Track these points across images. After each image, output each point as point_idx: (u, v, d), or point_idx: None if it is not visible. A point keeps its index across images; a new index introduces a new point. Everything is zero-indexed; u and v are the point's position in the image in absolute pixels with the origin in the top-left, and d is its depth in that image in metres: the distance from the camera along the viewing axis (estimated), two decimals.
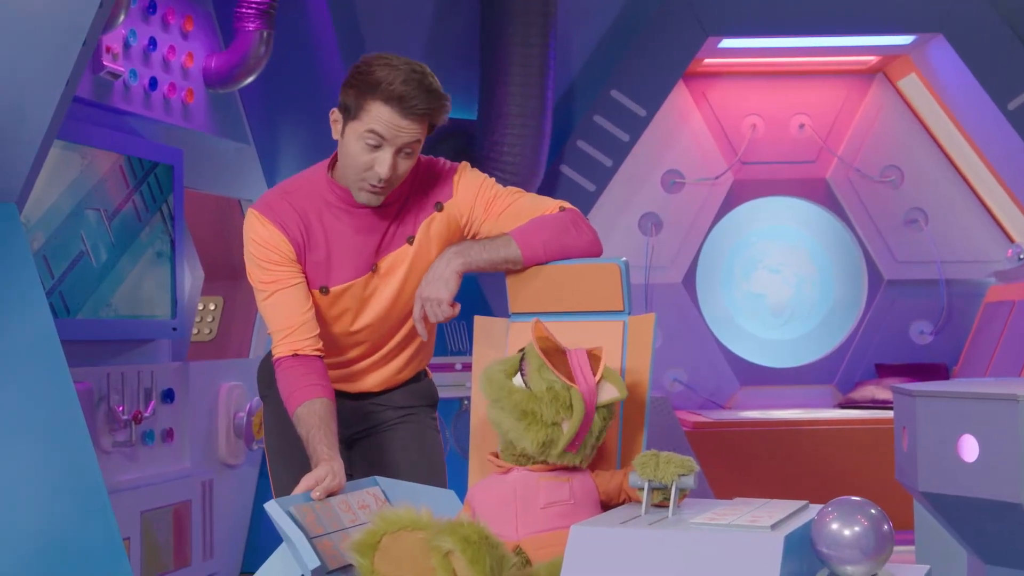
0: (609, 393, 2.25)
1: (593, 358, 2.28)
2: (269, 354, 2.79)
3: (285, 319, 2.65)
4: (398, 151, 2.57)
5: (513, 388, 2.23)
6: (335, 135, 2.64)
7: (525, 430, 2.21)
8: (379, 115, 2.53)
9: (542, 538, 2.19)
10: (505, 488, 2.25)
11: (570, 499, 2.24)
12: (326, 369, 2.67)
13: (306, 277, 2.69)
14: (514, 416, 2.22)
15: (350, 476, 2.81)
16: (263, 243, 2.66)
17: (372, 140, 2.55)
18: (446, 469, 2.95)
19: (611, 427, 2.43)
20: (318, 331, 2.67)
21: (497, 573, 2.02)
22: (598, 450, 2.44)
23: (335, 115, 2.62)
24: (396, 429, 2.91)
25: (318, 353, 2.66)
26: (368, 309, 2.74)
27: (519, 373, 2.25)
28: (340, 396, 2.84)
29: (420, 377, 2.97)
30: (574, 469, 2.29)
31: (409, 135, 2.56)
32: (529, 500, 2.23)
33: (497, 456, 2.32)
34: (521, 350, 2.30)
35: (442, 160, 2.78)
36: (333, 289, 2.70)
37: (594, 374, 2.25)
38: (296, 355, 2.64)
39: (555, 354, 2.29)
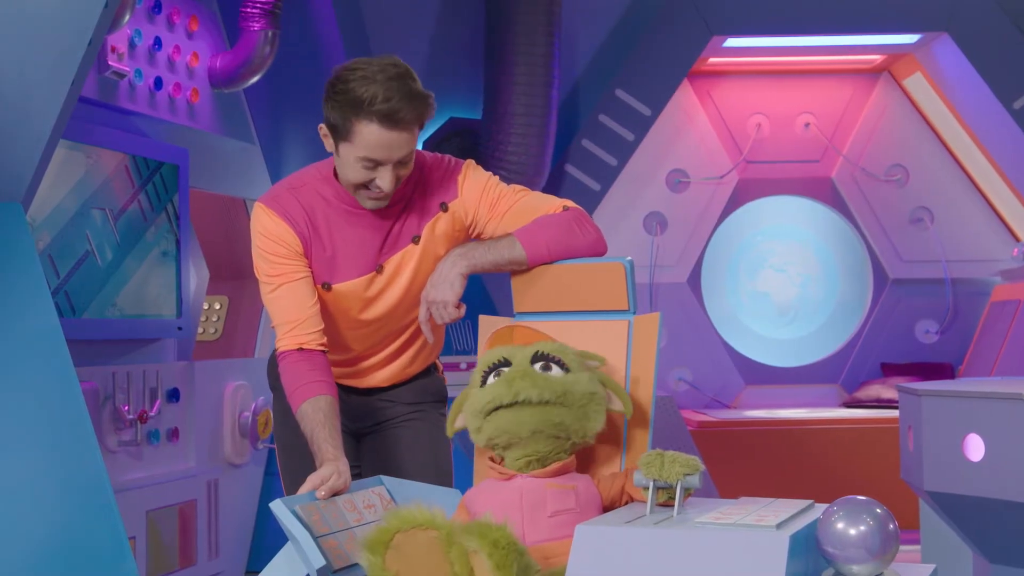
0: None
1: None
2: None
3: (290, 312, 2.65)
4: (395, 164, 2.57)
5: (579, 378, 2.27)
6: (328, 148, 2.64)
7: (596, 411, 2.28)
8: (369, 137, 2.52)
9: (548, 547, 2.18)
10: (511, 494, 2.24)
11: (576, 507, 2.23)
12: (329, 365, 2.67)
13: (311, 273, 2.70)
14: (581, 402, 2.26)
15: (358, 471, 2.81)
16: (270, 236, 2.67)
17: (368, 164, 2.56)
18: (453, 468, 2.95)
19: (615, 427, 2.44)
20: (323, 326, 2.67)
21: None
22: (602, 451, 2.44)
23: (323, 130, 2.61)
24: (404, 427, 2.92)
25: (322, 348, 2.66)
26: (373, 308, 2.74)
27: (553, 366, 2.28)
28: (348, 391, 2.85)
29: (430, 371, 2.97)
30: (577, 475, 2.29)
31: (402, 149, 2.55)
32: (536, 508, 2.22)
33: (494, 460, 2.32)
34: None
35: (447, 158, 2.78)
36: (336, 287, 2.71)
37: None
38: (301, 349, 2.64)
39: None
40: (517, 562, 1.99)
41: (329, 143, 2.61)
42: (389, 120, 2.50)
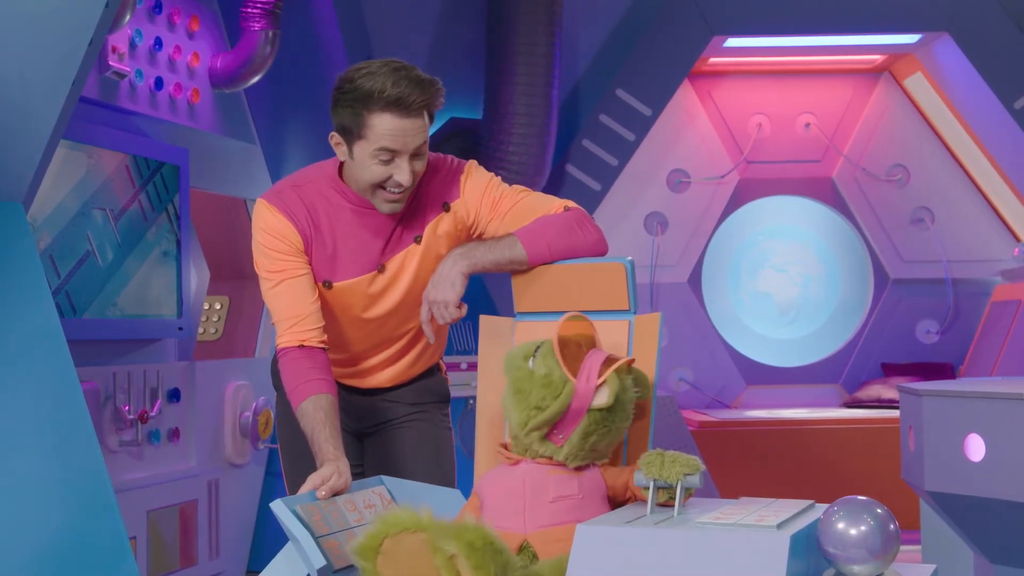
0: (600, 399, 2.25)
1: (609, 362, 2.29)
2: None
3: (291, 308, 2.65)
4: (411, 156, 2.58)
5: (520, 365, 2.27)
6: (341, 157, 2.64)
7: (514, 406, 2.27)
8: (384, 127, 2.53)
9: (550, 532, 2.19)
10: (513, 480, 2.25)
11: (578, 493, 2.24)
12: (330, 363, 2.67)
13: (312, 270, 2.70)
14: (510, 391, 2.28)
15: (361, 471, 2.81)
16: (272, 232, 2.67)
17: (385, 156, 2.56)
18: (456, 468, 2.95)
19: None
20: (324, 323, 2.67)
21: None
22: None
23: (336, 138, 2.62)
24: (407, 427, 2.92)
25: (323, 345, 2.66)
26: (376, 307, 2.75)
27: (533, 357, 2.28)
28: (351, 391, 2.86)
29: (433, 372, 2.97)
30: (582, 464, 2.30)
31: (416, 137, 2.57)
32: (538, 493, 2.23)
33: (506, 447, 2.33)
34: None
35: (450, 158, 2.78)
36: (336, 285, 2.71)
37: (599, 377, 2.26)
38: (302, 346, 2.64)
39: (579, 349, 2.32)
40: (494, 561, 2.00)
41: (343, 151, 2.62)
42: (400, 106, 2.52)
